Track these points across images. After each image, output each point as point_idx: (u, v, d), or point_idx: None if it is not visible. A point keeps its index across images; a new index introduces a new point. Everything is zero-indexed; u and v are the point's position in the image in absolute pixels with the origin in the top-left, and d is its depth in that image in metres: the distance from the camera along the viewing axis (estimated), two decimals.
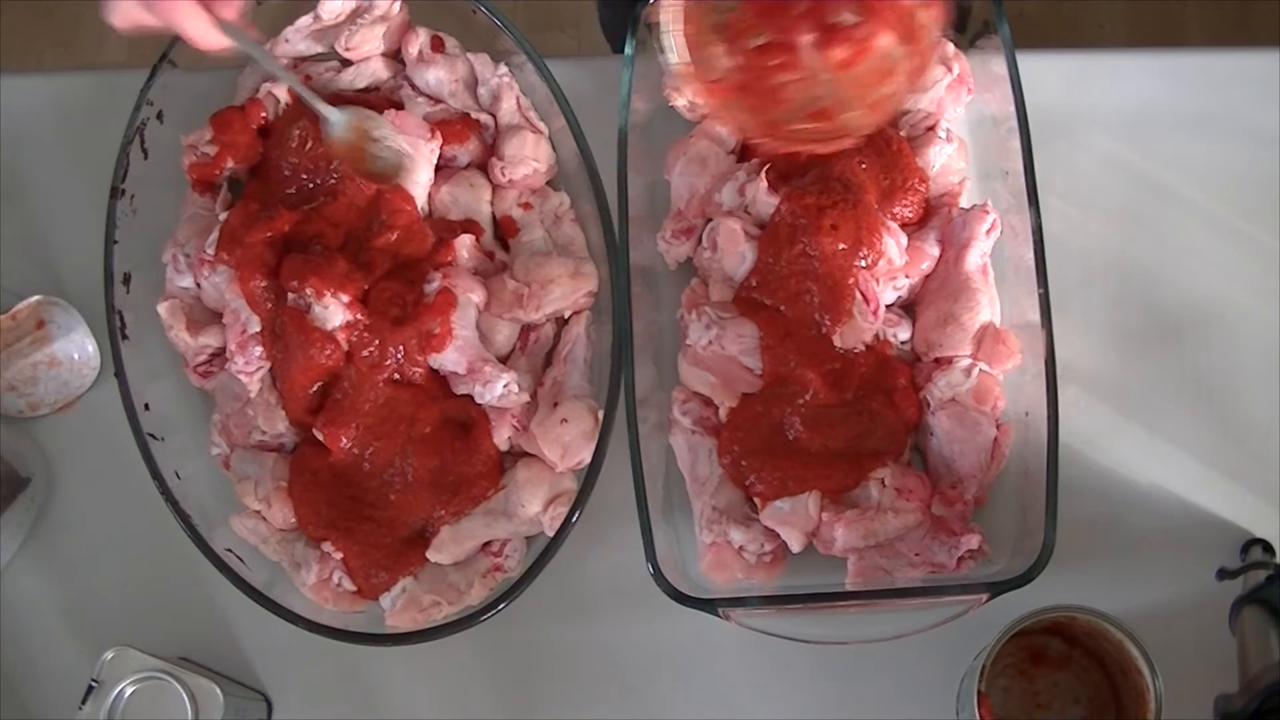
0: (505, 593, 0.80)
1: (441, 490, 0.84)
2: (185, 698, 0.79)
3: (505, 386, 0.84)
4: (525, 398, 0.85)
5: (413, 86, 0.92)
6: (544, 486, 0.83)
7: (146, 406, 0.84)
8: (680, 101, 0.90)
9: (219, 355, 0.88)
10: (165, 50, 0.88)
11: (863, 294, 0.84)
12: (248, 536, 0.85)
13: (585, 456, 0.83)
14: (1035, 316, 0.81)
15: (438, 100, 0.91)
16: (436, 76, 0.90)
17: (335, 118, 0.85)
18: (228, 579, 0.81)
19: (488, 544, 0.85)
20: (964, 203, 0.89)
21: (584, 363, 0.87)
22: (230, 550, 0.83)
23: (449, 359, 0.85)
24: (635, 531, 0.79)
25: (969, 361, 0.84)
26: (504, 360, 0.87)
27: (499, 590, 0.83)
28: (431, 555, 0.84)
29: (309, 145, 0.88)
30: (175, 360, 0.88)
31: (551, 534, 0.81)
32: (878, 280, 0.85)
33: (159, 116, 0.89)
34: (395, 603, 0.83)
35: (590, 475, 0.81)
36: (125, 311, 0.86)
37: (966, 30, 0.91)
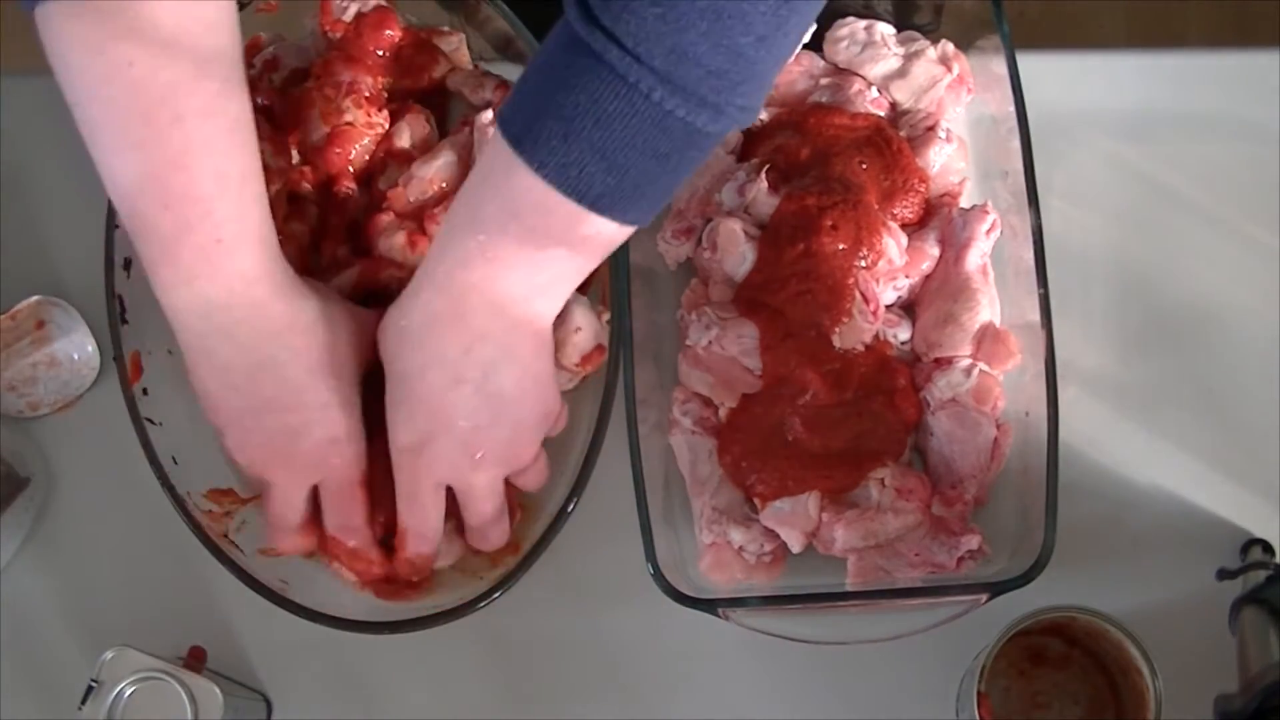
0: (502, 580, 0.80)
1: None
2: (185, 698, 0.78)
3: None
4: None
5: None
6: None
7: (145, 391, 0.84)
8: None
9: None
10: None
11: (863, 294, 0.84)
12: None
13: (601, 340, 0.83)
14: (1035, 316, 0.81)
15: None
16: None
17: None
18: (225, 567, 0.80)
19: None
20: (964, 203, 0.89)
21: None
22: (227, 536, 0.83)
23: None
24: (635, 531, 0.79)
25: (969, 362, 0.84)
26: None
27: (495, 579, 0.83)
28: None
29: None
30: (174, 346, 0.86)
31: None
32: (878, 280, 0.85)
33: None
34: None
35: (589, 458, 0.81)
36: (125, 296, 0.85)
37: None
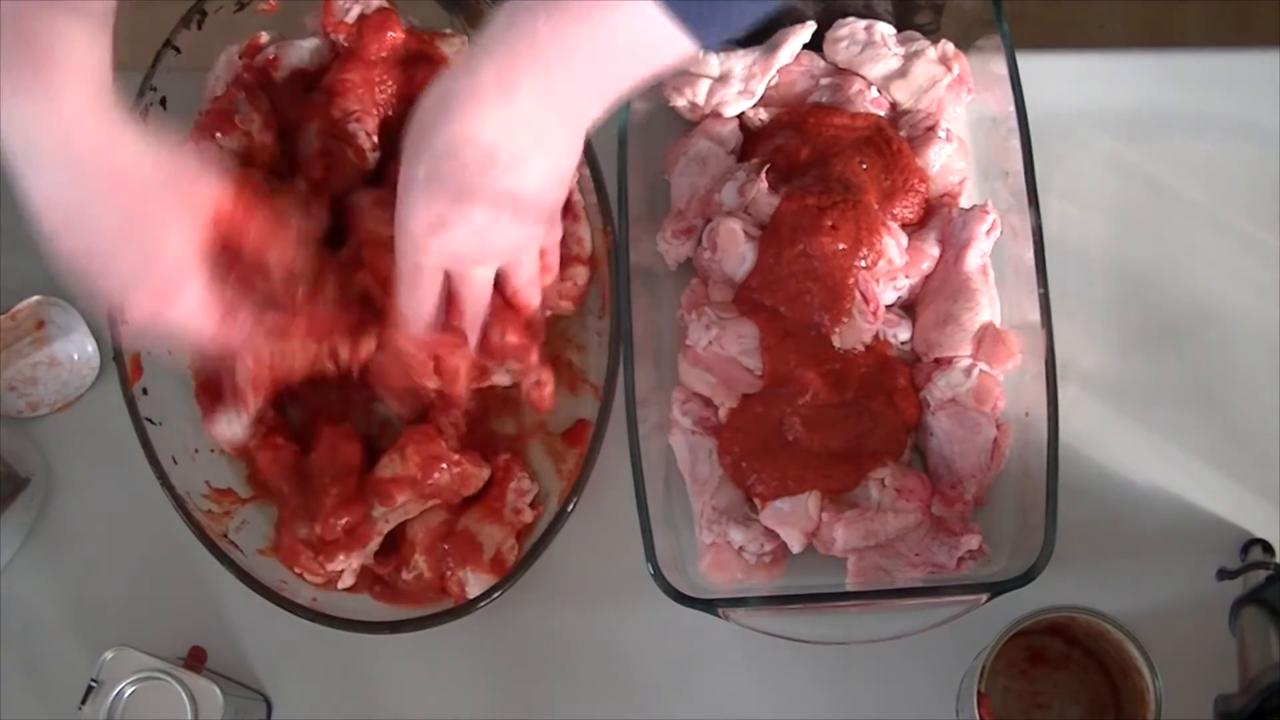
0: (502, 580, 0.80)
1: None
2: (185, 698, 0.79)
3: None
4: None
5: None
6: None
7: (145, 391, 0.84)
8: (680, 102, 0.90)
9: None
10: (168, 36, 0.88)
11: (863, 294, 0.84)
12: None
13: None
14: (1035, 316, 0.81)
15: None
16: None
17: None
18: (225, 567, 0.81)
19: None
20: (964, 203, 0.89)
21: None
22: (226, 536, 0.83)
23: None
24: (635, 531, 0.79)
25: (969, 362, 0.84)
26: None
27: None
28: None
29: None
30: (174, 346, 0.87)
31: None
32: (878, 280, 0.85)
33: (162, 103, 0.88)
34: None
35: (589, 458, 0.81)
36: None
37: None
